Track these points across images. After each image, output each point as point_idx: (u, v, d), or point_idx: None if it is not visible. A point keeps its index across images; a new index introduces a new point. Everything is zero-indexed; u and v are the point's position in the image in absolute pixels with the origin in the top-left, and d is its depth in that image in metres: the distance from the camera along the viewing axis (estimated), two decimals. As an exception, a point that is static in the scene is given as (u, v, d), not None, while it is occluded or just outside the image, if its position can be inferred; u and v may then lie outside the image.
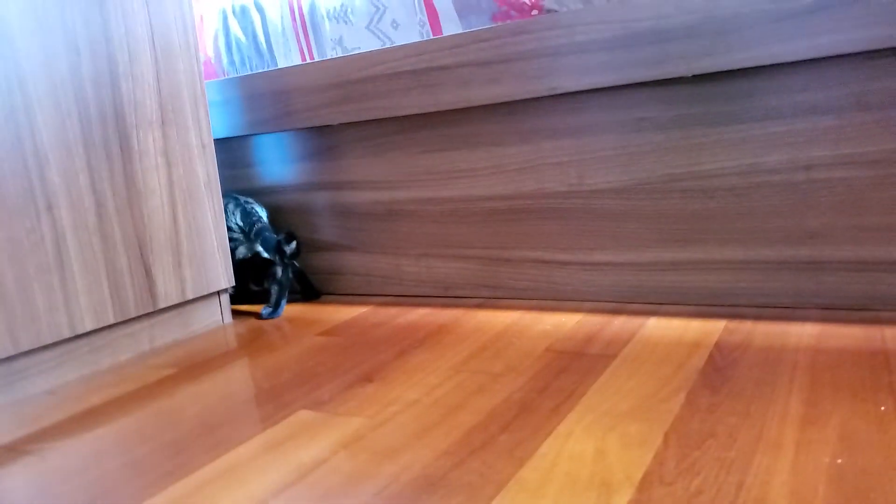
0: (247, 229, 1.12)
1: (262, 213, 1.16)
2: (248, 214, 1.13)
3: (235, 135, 1.18)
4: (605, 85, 0.87)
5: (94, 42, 0.89)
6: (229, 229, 1.12)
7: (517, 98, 0.92)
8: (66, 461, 0.63)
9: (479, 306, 1.02)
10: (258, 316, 1.12)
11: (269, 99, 1.12)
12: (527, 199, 0.99)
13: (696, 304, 0.91)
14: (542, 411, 0.63)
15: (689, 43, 0.81)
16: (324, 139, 1.14)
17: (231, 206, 1.14)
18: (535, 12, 0.91)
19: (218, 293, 1.09)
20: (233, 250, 1.13)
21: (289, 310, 1.13)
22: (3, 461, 0.65)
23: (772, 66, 0.81)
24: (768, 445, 0.52)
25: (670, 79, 0.86)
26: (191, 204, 1.02)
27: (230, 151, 1.26)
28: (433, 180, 1.06)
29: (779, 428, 0.55)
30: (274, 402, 0.73)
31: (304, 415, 0.68)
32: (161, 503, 0.53)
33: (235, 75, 1.19)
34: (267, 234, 1.10)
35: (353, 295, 1.19)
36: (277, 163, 1.21)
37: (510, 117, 0.97)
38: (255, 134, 1.18)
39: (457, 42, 0.94)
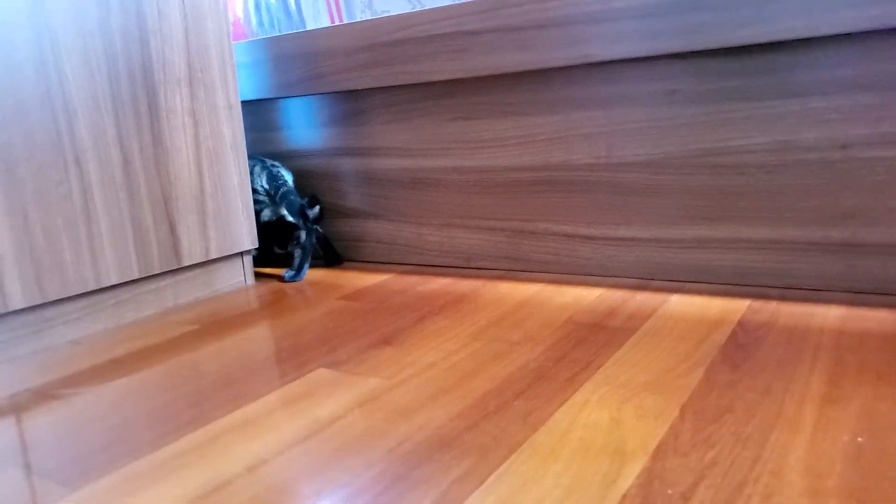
0: (272, 192, 1.13)
1: (288, 177, 1.16)
2: (273, 178, 1.13)
3: (262, 97, 1.18)
4: (639, 55, 0.85)
5: (125, -3, 0.89)
6: (255, 192, 1.13)
7: (548, 66, 0.91)
8: (90, 406, 0.64)
9: (501, 278, 1.02)
10: (281, 279, 1.12)
11: (298, 61, 1.11)
12: (554, 171, 0.98)
13: (721, 283, 0.90)
14: (559, 380, 0.62)
15: (728, 13, 0.79)
16: (350, 104, 1.14)
17: (257, 169, 1.14)
18: (569, -22, 0.89)
19: (241, 254, 1.10)
20: (258, 213, 1.13)
21: (311, 274, 1.14)
22: (30, 404, 0.66)
23: (815, 38, 0.78)
24: (787, 422, 0.51)
25: (705, 50, 0.83)
26: (216, 164, 1.03)
27: (257, 114, 1.26)
28: (459, 149, 1.05)
29: (798, 406, 0.54)
30: (293, 360, 0.73)
31: (321, 373, 0.69)
32: (178, 450, 0.54)
33: (264, 36, 1.19)
34: (291, 197, 1.11)
35: (375, 262, 1.19)
36: (304, 126, 1.21)
37: (540, 86, 0.96)
38: (283, 97, 1.17)
39: (487, 6, 0.92)
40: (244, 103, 1.26)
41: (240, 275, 1.11)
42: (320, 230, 1.16)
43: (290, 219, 1.11)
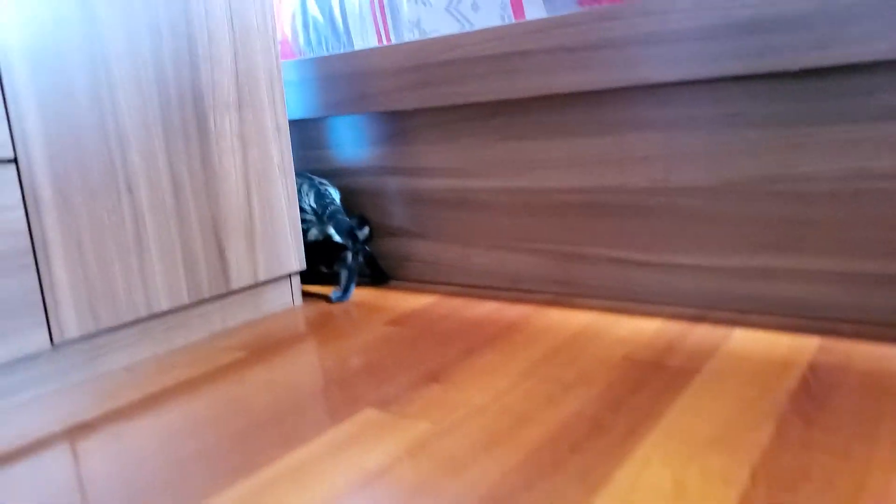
0: (320, 211, 1.12)
1: (336, 196, 1.16)
2: (321, 196, 1.12)
3: (310, 116, 1.18)
4: (700, 77, 0.81)
5: (174, 23, 0.89)
6: (302, 210, 1.12)
7: (603, 87, 0.87)
8: (141, 443, 0.64)
9: (550, 303, 0.99)
10: (328, 299, 1.12)
11: (345, 81, 1.10)
12: (606, 194, 0.95)
13: (786, 316, 0.85)
14: (617, 431, 0.60)
15: (798, 34, 0.74)
16: (398, 123, 1.12)
17: (305, 188, 1.14)
18: (626, -3, 0.85)
19: (289, 275, 1.10)
20: (305, 231, 1.13)
21: (357, 294, 1.13)
22: (83, 438, 0.67)
23: (893, 61, 0.73)
24: (872, 497, 0.48)
25: (771, 73, 0.79)
26: (265, 186, 1.02)
27: (304, 132, 1.26)
28: (507, 169, 1.03)
29: (885, 476, 0.50)
30: (341, 394, 0.72)
31: (370, 414, 0.67)
32: (227, 499, 0.53)
33: (311, 56, 1.18)
34: (340, 217, 1.10)
35: (420, 282, 1.17)
36: (350, 145, 1.20)
37: (592, 107, 0.93)
38: (330, 116, 1.17)
39: (540, 26, 0.89)
40: (292, 122, 1.26)
41: (287, 296, 1.11)
42: (368, 249, 1.15)
43: (336, 238, 1.11)
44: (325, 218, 1.12)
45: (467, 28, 1.00)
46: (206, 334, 0.98)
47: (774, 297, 0.85)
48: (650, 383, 0.69)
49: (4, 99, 0.74)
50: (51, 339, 0.79)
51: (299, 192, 1.13)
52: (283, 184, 1.05)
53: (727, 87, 0.83)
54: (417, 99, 1.03)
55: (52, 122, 0.77)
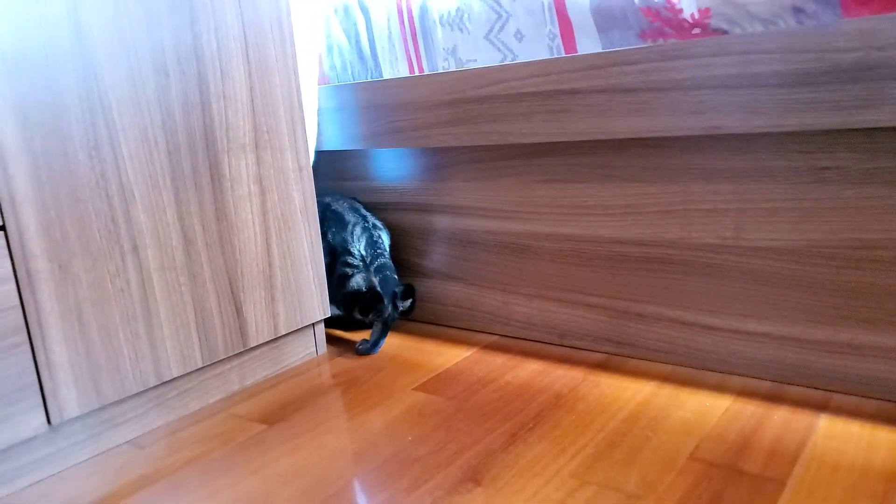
0: (368, 260, 1.02)
1: (387, 242, 1.06)
2: (373, 245, 1.03)
3: (332, 149, 1.08)
4: (787, 129, 0.69)
5: (183, 61, 0.80)
6: (349, 254, 1.02)
7: (668, 135, 0.76)
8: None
9: (602, 366, 0.89)
10: (354, 348, 1.03)
11: (372, 113, 1.00)
12: (668, 248, 0.84)
13: (875, 398, 0.74)
14: (698, 583, 0.50)
15: (910, 81, 0.62)
16: (432, 157, 1.02)
17: (358, 231, 1.04)
18: (697, 31, 0.74)
19: (313, 324, 1.01)
20: (347, 277, 1.03)
21: (387, 341, 1.04)
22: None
23: None
24: None
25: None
26: (285, 233, 0.93)
27: (333, 162, 1.16)
28: (554, 214, 0.92)
29: None
30: (369, 497, 0.63)
31: (400, 535, 0.58)
32: None
33: (335, 83, 1.09)
34: (389, 275, 1.00)
35: (455, 328, 1.08)
36: (384, 177, 1.10)
37: (652, 150, 0.81)
38: (353, 149, 1.07)
39: (595, 62, 0.78)
40: (324, 152, 1.16)
41: (310, 345, 1.02)
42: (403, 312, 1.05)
43: (378, 289, 1.00)
44: (372, 270, 1.01)
45: (510, 59, 0.89)
46: (223, 394, 0.90)
47: (862, 377, 0.74)
48: (729, 498, 0.59)
49: (-10, 161, 0.65)
50: (48, 420, 0.71)
51: (351, 234, 1.03)
52: (307, 228, 0.96)
53: (816, 138, 0.71)
54: (452, 137, 0.93)
55: (46, 183, 0.69)
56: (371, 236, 1.03)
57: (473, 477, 0.66)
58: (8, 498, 0.70)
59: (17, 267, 0.68)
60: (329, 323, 1.15)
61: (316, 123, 1.09)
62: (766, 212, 0.76)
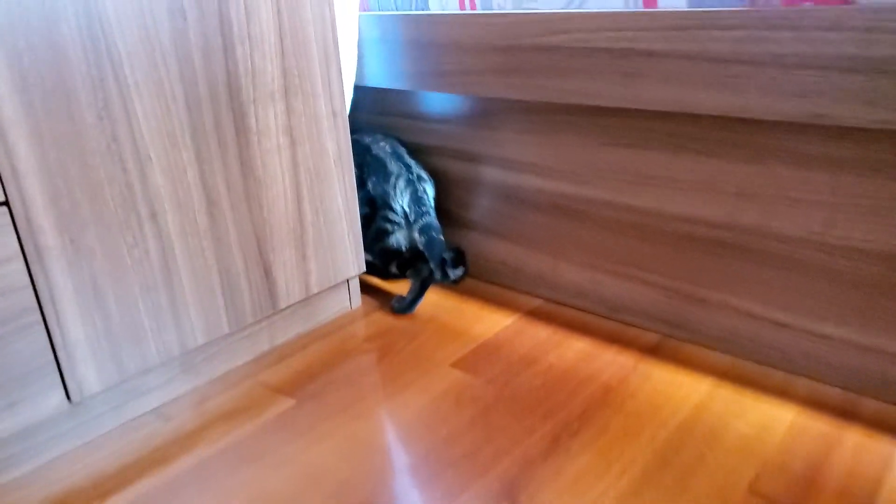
0: (412, 218, 0.94)
1: (431, 194, 0.96)
2: (418, 201, 0.93)
3: (366, 84, 0.98)
4: (911, 119, 0.57)
5: (202, 1, 0.70)
6: (391, 209, 0.94)
7: (763, 118, 0.64)
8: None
9: (654, 351, 0.82)
10: (390, 304, 0.98)
11: (415, 50, 0.89)
12: (743, 234, 0.74)
13: (968, 424, 0.66)
14: None
15: None
16: (481, 103, 0.91)
17: (401, 184, 0.94)
18: (815, -11, 0.60)
19: (347, 280, 0.95)
20: (387, 233, 0.95)
21: (427, 298, 0.98)
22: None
23: None
24: None
25: None
26: (318, 186, 0.86)
27: (379, 97, 1.06)
28: (616, 180, 0.82)
29: None
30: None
31: (429, 565, 0.55)
32: None
33: (377, 11, 0.96)
34: (435, 236, 0.91)
35: (498, 285, 1.01)
36: (429, 119, 1.00)
37: (738, 124, 0.70)
38: (392, 89, 0.96)
39: (679, 22, 0.65)
40: (364, 87, 1.05)
41: (344, 301, 0.97)
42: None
43: (421, 248, 0.92)
44: (416, 230, 0.93)
45: (577, 7, 0.76)
46: (252, 356, 0.87)
47: (958, 401, 0.66)
48: (793, 558, 0.53)
49: (-14, 131, 0.58)
50: (68, 398, 0.68)
51: (394, 188, 0.94)
52: (341, 180, 0.88)
53: (945, 127, 0.59)
54: (504, 87, 0.81)
55: (50, 150, 0.62)
56: (415, 191, 0.94)
57: (510, 493, 0.61)
58: (32, 473, 0.69)
59: (24, 244, 0.62)
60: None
61: (356, 56, 0.98)
62: (864, 210, 0.65)
